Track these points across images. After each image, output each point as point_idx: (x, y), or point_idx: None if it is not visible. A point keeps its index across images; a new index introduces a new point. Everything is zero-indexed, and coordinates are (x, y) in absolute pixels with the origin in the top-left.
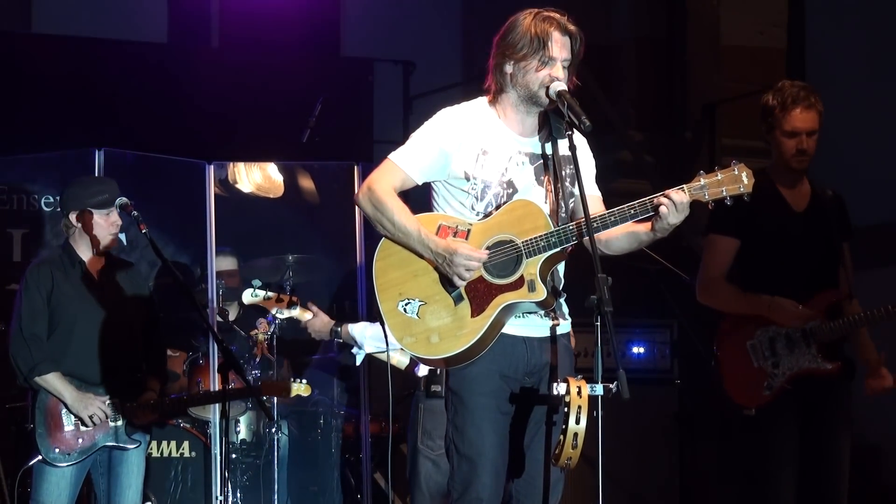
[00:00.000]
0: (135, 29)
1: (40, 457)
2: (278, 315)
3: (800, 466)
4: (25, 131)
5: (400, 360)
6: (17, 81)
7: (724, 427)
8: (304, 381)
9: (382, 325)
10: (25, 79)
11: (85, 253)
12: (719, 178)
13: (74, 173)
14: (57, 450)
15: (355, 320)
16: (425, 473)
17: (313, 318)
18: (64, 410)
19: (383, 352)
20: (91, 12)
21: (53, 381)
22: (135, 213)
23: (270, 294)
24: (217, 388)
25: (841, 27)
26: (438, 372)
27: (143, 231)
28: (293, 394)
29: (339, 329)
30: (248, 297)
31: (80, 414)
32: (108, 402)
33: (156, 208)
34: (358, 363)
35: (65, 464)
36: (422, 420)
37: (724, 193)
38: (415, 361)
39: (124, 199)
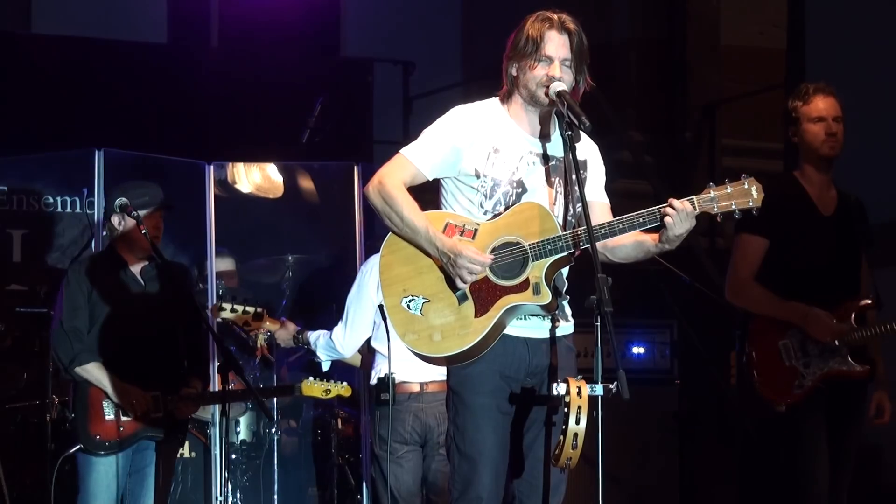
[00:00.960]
0: (134, 29)
1: (80, 446)
2: (260, 335)
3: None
4: (25, 132)
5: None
6: (17, 82)
7: (758, 424)
8: (344, 382)
9: (385, 319)
10: (25, 79)
11: (127, 254)
12: (729, 191)
13: (74, 174)
14: (97, 437)
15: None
16: (393, 477)
17: (279, 329)
18: (105, 401)
19: (335, 359)
20: (91, 12)
21: (94, 371)
22: (135, 213)
23: (240, 308)
24: (217, 389)
25: (841, 27)
26: (386, 380)
27: (143, 232)
28: (333, 394)
29: (300, 336)
30: (226, 313)
31: (122, 402)
32: (138, 401)
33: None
34: (325, 369)
35: (103, 452)
36: (376, 427)
37: (734, 207)
38: (368, 364)
39: (124, 200)
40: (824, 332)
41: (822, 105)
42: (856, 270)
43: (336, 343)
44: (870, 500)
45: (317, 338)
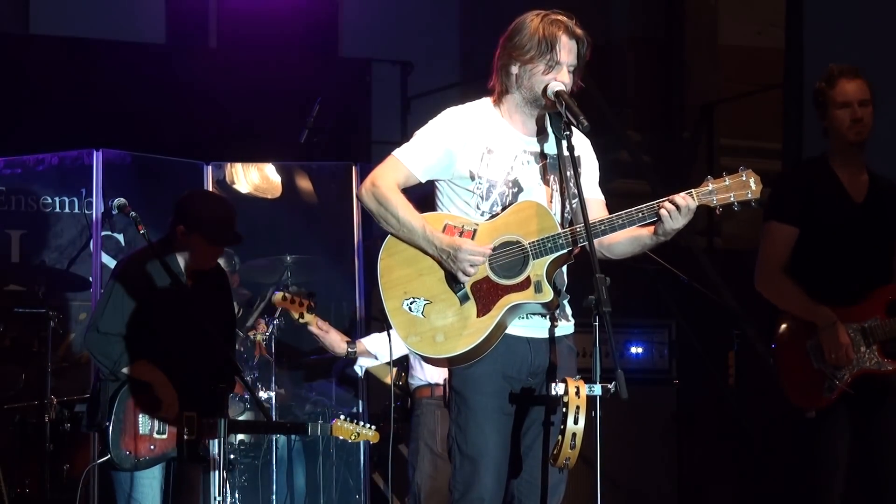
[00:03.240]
0: (133, 30)
1: (109, 456)
2: (300, 320)
3: (850, 465)
4: (23, 132)
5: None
6: (15, 82)
7: (787, 427)
8: (373, 427)
9: (387, 323)
10: (23, 80)
11: (182, 260)
12: (727, 183)
13: (73, 174)
14: (127, 452)
15: (354, 320)
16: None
17: (325, 335)
18: (142, 415)
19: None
20: (89, 13)
21: (143, 368)
22: (133, 213)
23: (289, 296)
24: None
25: (839, 27)
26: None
27: (142, 232)
28: (361, 438)
29: (353, 350)
30: (278, 298)
31: (167, 398)
32: (175, 408)
33: (154, 209)
34: (360, 375)
35: (129, 466)
36: (432, 428)
37: (733, 199)
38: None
39: (122, 200)
40: (835, 354)
41: (847, 89)
42: (888, 258)
43: None
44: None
45: (376, 342)
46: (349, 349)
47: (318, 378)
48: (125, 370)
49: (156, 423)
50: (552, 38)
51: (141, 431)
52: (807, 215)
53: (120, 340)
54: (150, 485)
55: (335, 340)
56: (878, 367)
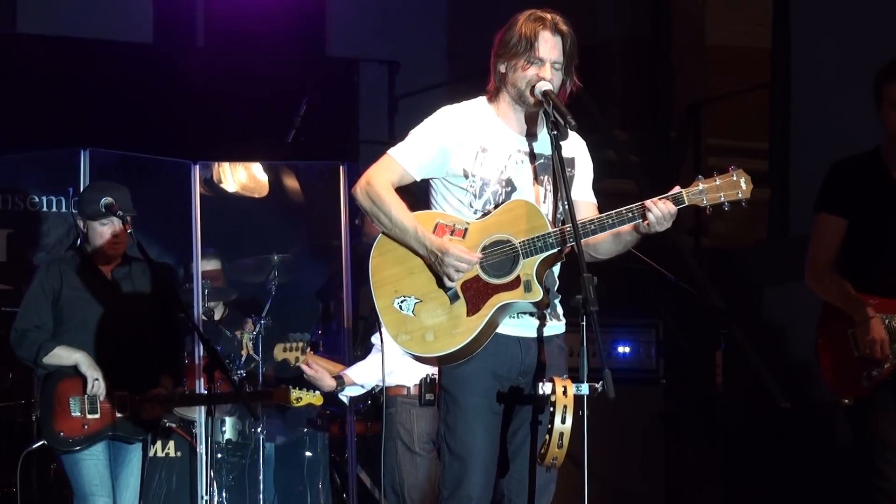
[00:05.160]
0: (120, 29)
1: (43, 442)
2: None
3: None
4: (11, 131)
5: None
6: (3, 81)
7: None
8: (316, 391)
9: (378, 322)
10: (11, 78)
11: (97, 254)
12: (718, 183)
13: (60, 173)
14: (61, 434)
15: (339, 321)
16: (412, 478)
17: (315, 374)
18: (72, 398)
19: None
20: (77, 12)
21: (62, 352)
22: (120, 213)
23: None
24: (203, 389)
25: (826, 27)
26: (428, 380)
27: (129, 231)
28: (303, 403)
29: (340, 388)
30: (278, 350)
31: (93, 374)
32: (101, 384)
33: (141, 208)
34: (346, 402)
35: (65, 448)
36: (413, 427)
37: (723, 199)
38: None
39: (109, 200)
40: (869, 346)
41: None
42: None
43: None
44: (825, 458)
45: (361, 372)
46: (337, 388)
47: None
48: (45, 359)
49: (86, 403)
50: (532, 33)
51: (72, 413)
52: (856, 207)
53: (36, 331)
54: (94, 465)
55: (324, 379)
56: None
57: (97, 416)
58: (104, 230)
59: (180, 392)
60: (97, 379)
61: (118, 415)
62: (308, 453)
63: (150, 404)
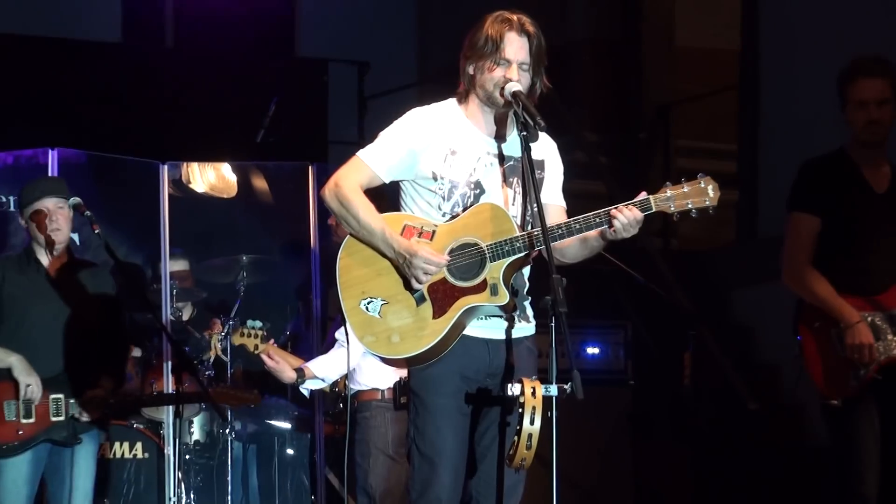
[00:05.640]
0: (88, 28)
1: None
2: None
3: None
4: None
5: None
6: None
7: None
8: (255, 391)
9: (344, 322)
10: None
11: (41, 252)
12: (685, 190)
13: (28, 174)
14: None
15: (309, 320)
16: (384, 483)
17: (276, 366)
18: (7, 402)
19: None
20: (44, 11)
21: None
22: (88, 213)
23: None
24: (171, 389)
25: (795, 29)
26: (402, 383)
27: (97, 231)
28: (246, 403)
29: (301, 380)
30: (235, 337)
31: (26, 379)
32: (37, 388)
33: (109, 208)
34: (307, 395)
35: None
36: (386, 431)
37: (690, 206)
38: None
39: (77, 200)
40: (857, 351)
41: (864, 88)
42: None
43: None
44: (767, 416)
45: (322, 365)
46: (297, 379)
47: (273, 378)
48: None
49: (21, 407)
50: (499, 35)
51: (7, 418)
52: (829, 205)
53: None
54: (15, 472)
55: (285, 371)
56: None
57: (32, 420)
58: (40, 220)
59: (119, 398)
60: (30, 385)
61: (53, 419)
62: (290, 451)
63: (87, 407)
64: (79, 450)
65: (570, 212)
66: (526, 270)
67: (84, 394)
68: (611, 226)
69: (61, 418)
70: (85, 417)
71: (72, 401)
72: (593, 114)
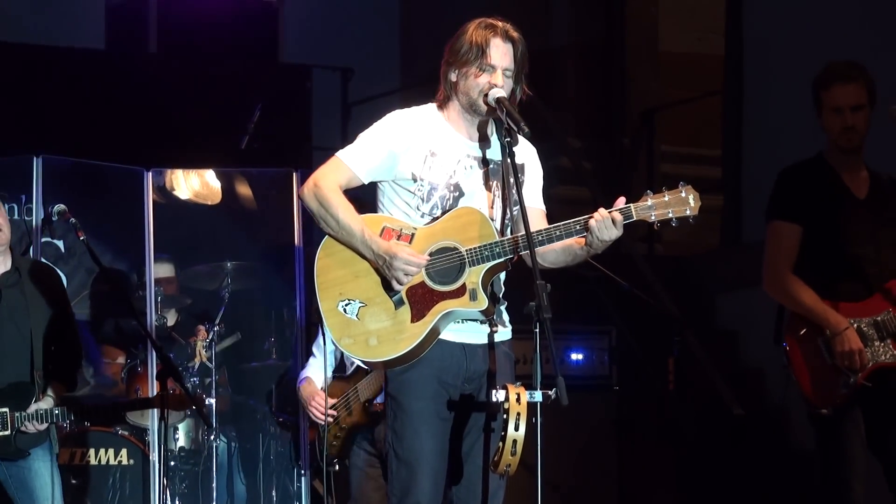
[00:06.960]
0: (72, 35)
1: None
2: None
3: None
4: None
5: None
6: None
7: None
8: (200, 393)
9: (321, 323)
10: None
11: None
12: (666, 199)
13: (12, 180)
14: None
15: (292, 328)
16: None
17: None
18: None
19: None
20: (28, 18)
21: None
22: (72, 219)
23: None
24: (155, 394)
25: (778, 34)
26: None
27: (81, 238)
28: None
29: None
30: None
31: None
32: None
33: (94, 215)
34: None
35: None
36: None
37: (671, 215)
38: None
39: (62, 206)
40: (847, 358)
41: (838, 95)
42: (894, 252)
43: None
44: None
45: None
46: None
47: (258, 385)
48: None
49: None
50: (484, 41)
51: None
52: (809, 212)
53: None
54: None
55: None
56: (893, 360)
57: None
58: None
59: (68, 408)
60: None
61: None
62: (261, 462)
63: (30, 420)
64: (33, 461)
65: (554, 217)
66: (501, 275)
67: (27, 406)
68: (588, 232)
69: (7, 433)
70: (31, 429)
71: (17, 413)
72: (577, 119)
